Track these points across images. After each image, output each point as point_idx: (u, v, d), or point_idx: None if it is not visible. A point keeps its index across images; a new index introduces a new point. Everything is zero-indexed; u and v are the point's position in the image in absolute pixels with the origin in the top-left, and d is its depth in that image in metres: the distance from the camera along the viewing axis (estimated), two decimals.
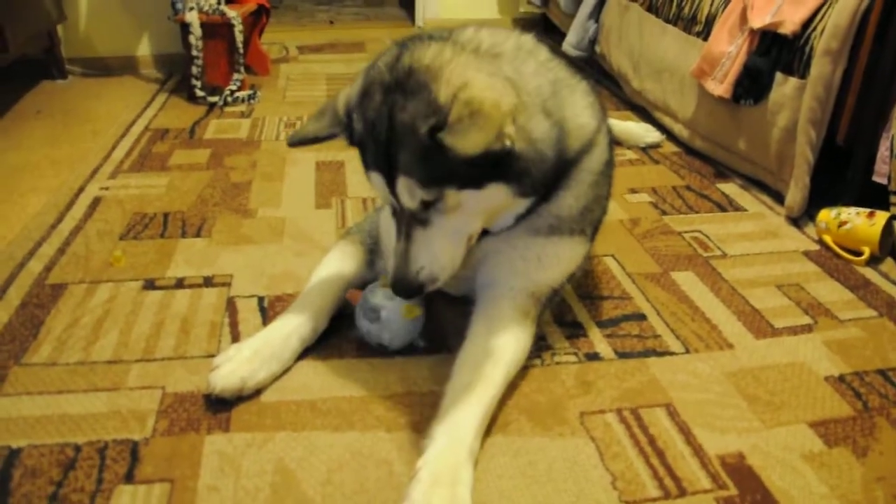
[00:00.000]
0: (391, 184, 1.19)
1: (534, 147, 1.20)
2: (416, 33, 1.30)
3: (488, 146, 1.08)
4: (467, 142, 1.07)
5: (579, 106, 1.35)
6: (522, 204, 1.28)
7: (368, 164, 1.23)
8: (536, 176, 1.23)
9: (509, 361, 1.34)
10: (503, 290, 1.42)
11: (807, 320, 1.63)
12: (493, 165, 1.16)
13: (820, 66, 1.96)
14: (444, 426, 1.19)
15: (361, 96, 1.23)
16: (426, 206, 1.19)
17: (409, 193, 1.18)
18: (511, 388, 1.36)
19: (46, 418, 1.28)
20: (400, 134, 1.14)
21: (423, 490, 1.08)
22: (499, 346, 1.34)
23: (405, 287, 1.25)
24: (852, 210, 1.93)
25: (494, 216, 1.30)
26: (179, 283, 1.71)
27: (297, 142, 1.34)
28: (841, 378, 1.45)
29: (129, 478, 1.17)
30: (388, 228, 1.46)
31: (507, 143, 1.12)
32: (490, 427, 1.27)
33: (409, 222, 1.22)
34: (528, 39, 1.33)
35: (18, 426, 1.27)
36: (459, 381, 1.27)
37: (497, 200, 1.23)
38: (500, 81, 1.16)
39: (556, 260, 1.44)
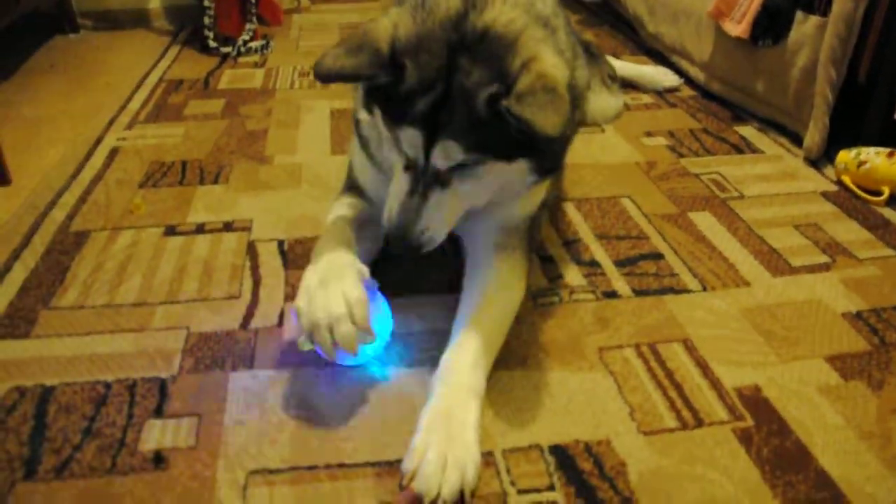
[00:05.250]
0: (428, 142, 1.13)
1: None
2: None
3: (564, 128, 1.06)
4: (546, 120, 1.04)
5: (581, 68, 1.34)
6: (528, 182, 1.28)
7: (405, 119, 1.14)
8: (557, 152, 1.23)
9: (498, 298, 1.32)
10: (481, 230, 1.40)
11: (824, 259, 1.64)
12: (529, 141, 1.13)
13: (842, 3, 1.92)
14: (438, 374, 1.18)
15: (417, 45, 1.12)
16: (452, 169, 1.16)
17: (447, 156, 1.13)
18: (529, 325, 1.39)
19: (77, 358, 1.32)
20: (459, 98, 1.09)
21: (421, 438, 1.08)
22: (487, 284, 1.33)
23: (404, 245, 1.21)
24: (872, 150, 1.92)
25: (500, 192, 1.29)
26: (200, 229, 1.73)
27: (331, 77, 1.16)
28: (858, 314, 1.45)
29: (158, 412, 1.20)
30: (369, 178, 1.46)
31: (568, 131, 1.13)
32: (508, 361, 1.30)
33: (430, 182, 1.18)
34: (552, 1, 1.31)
35: (50, 366, 1.30)
36: (454, 329, 1.27)
37: (516, 175, 1.22)
38: (561, 60, 1.15)
39: (521, 198, 1.40)
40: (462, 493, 1.04)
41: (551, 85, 1.06)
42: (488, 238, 1.39)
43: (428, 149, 1.14)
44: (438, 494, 1.02)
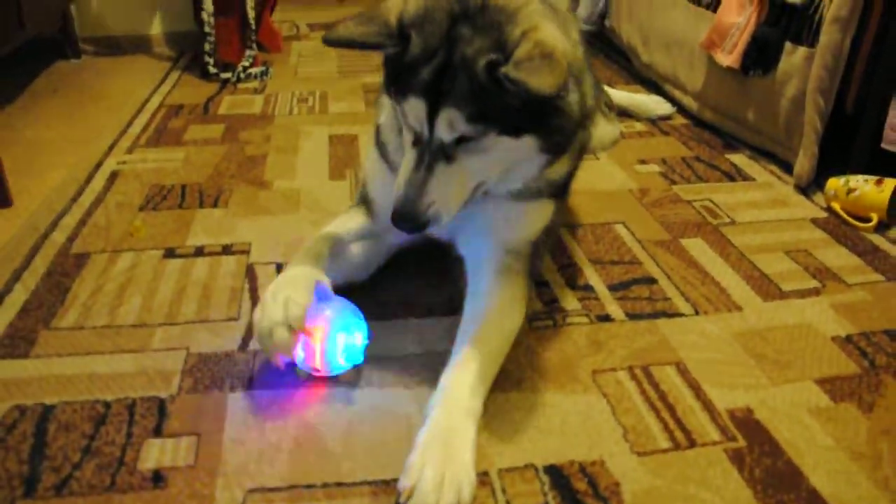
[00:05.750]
0: (432, 113, 1.16)
1: (571, 105, 1.24)
2: None
3: (559, 89, 1.08)
4: (542, 81, 1.07)
5: (590, 86, 1.39)
6: (538, 162, 1.30)
7: (410, 89, 1.17)
8: (566, 133, 1.26)
9: (499, 321, 1.33)
10: (484, 252, 1.42)
11: (814, 284, 1.66)
12: (537, 115, 1.18)
13: (829, 34, 1.97)
14: (437, 395, 1.19)
15: (423, 17, 1.17)
16: (458, 141, 1.19)
17: (450, 126, 1.16)
18: (524, 347, 1.41)
19: (77, 377, 1.33)
20: (460, 67, 1.13)
21: (418, 456, 1.09)
22: (488, 308, 1.35)
23: (409, 219, 1.22)
24: (861, 177, 1.95)
25: (509, 171, 1.31)
26: (199, 252, 1.75)
27: (340, 42, 1.20)
28: (848, 338, 1.48)
29: (157, 432, 1.21)
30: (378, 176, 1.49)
31: (563, 93, 1.15)
32: (504, 383, 1.31)
33: (435, 155, 1.20)
34: (569, 11, 1.37)
35: (51, 385, 1.31)
36: (454, 350, 1.28)
37: (523, 153, 1.25)
38: (562, 35, 1.19)
39: (526, 219, 1.44)
40: None
41: (548, 51, 1.09)
42: (491, 261, 1.41)
43: (432, 120, 1.17)
44: None
